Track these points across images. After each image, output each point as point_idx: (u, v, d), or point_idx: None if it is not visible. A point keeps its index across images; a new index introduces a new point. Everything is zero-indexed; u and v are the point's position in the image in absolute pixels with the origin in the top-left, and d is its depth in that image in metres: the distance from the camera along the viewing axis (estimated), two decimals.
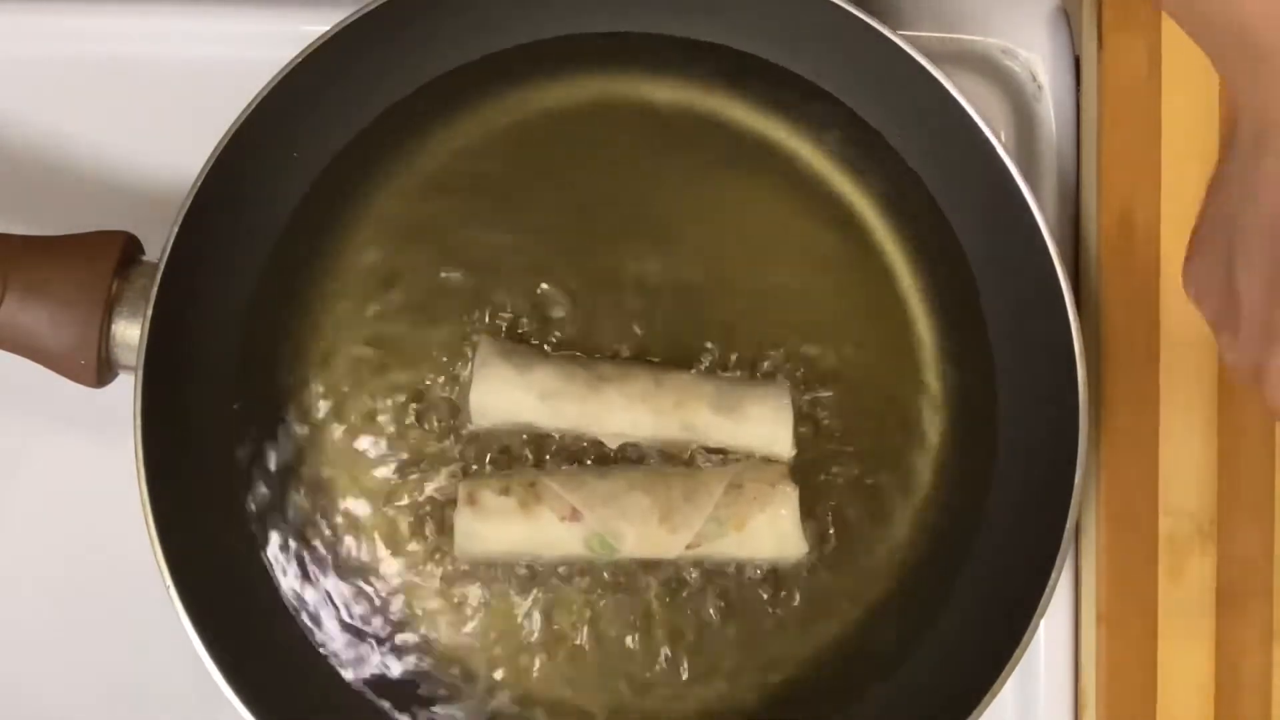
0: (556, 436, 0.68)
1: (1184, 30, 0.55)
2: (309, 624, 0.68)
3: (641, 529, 0.66)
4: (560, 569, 0.68)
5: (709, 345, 0.69)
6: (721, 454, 0.68)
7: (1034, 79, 0.73)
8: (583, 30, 0.70)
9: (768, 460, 0.68)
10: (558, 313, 0.69)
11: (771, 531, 0.67)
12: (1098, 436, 0.67)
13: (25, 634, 0.72)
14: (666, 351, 0.69)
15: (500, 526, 0.66)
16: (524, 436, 0.68)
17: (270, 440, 0.68)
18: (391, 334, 0.69)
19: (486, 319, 0.69)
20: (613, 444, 0.68)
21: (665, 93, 0.71)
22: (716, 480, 0.67)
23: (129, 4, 0.73)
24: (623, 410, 0.67)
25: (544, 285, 0.69)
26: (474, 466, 0.68)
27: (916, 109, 0.67)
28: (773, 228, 0.70)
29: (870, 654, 0.68)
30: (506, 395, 0.67)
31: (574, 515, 0.66)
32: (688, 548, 0.66)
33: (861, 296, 0.70)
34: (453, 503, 0.67)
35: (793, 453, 0.68)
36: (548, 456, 0.68)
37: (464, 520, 0.66)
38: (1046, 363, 0.65)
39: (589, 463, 0.68)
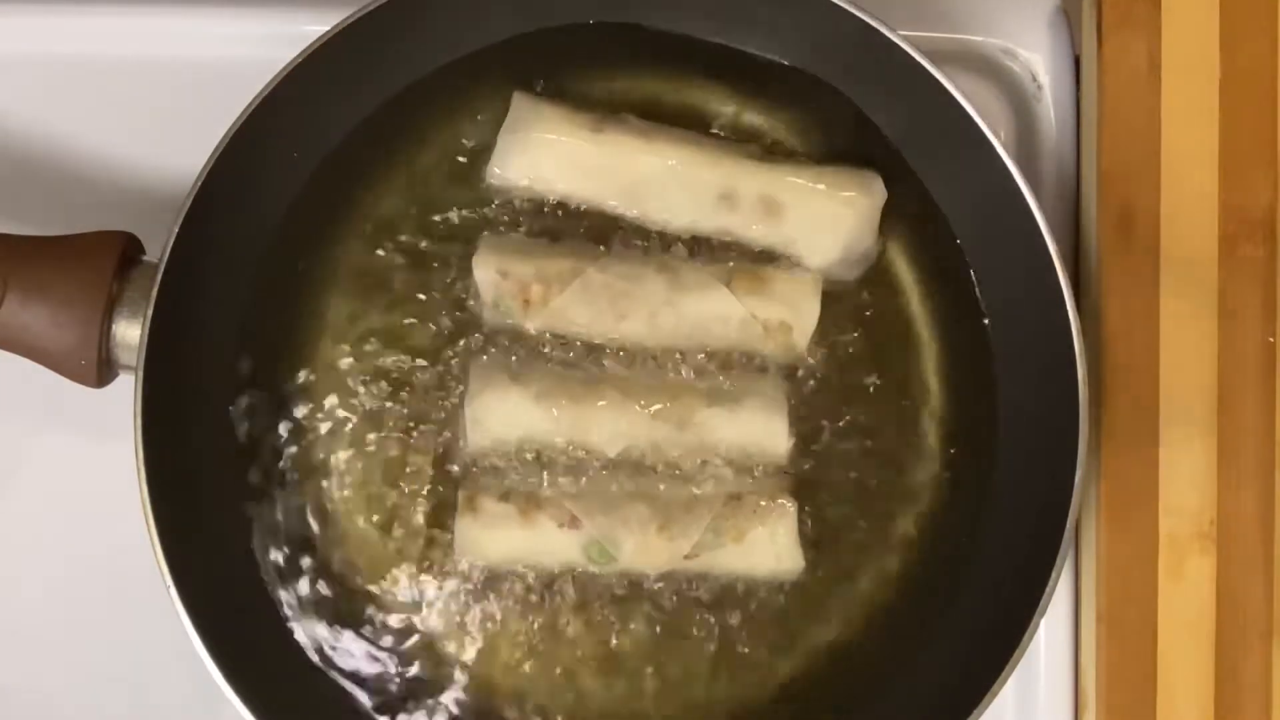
0: (556, 447, 0.68)
1: None
2: (308, 624, 0.68)
3: (640, 538, 0.66)
4: (559, 576, 0.68)
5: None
6: (721, 463, 0.68)
7: (1034, 79, 0.73)
8: (581, 22, 0.70)
9: (767, 474, 0.68)
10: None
11: (770, 546, 0.67)
12: (1098, 436, 0.67)
13: (25, 634, 0.72)
14: None
15: (499, 533, 0.66)
16: (523, 446, 0.68)
17: (270, 440, 0.68)
18: (393, 332, 0.69)
19: (487, 312, 0.69)
20: (611, 450, 0.67)
21: (661, 90, 0.71)
22: (716, 491, 0.67)
23: (129, 4, 0.73)
24: (619, 408, 0.67)
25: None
26: (474, 468, 0.68)
27: (917, 109, 0.67)
28: None
29: (871, 655, 0.68)
30: (503, 400, 0.67)
31: (573, 523, 0.66)
32: (686, 558, 0.66)
33: (859, 296, 0.70)
34: (453, 508, 0.67)
35: (790, 443, 0.68)
36: (546, 469, 0.68)
37: (464, 526, 0.66)
38: (1047, 363, 0.65)
39: (589, 472, 0.68)
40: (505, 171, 0.68)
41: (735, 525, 0.66)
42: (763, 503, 0.67)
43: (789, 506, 0.67)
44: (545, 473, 0.68)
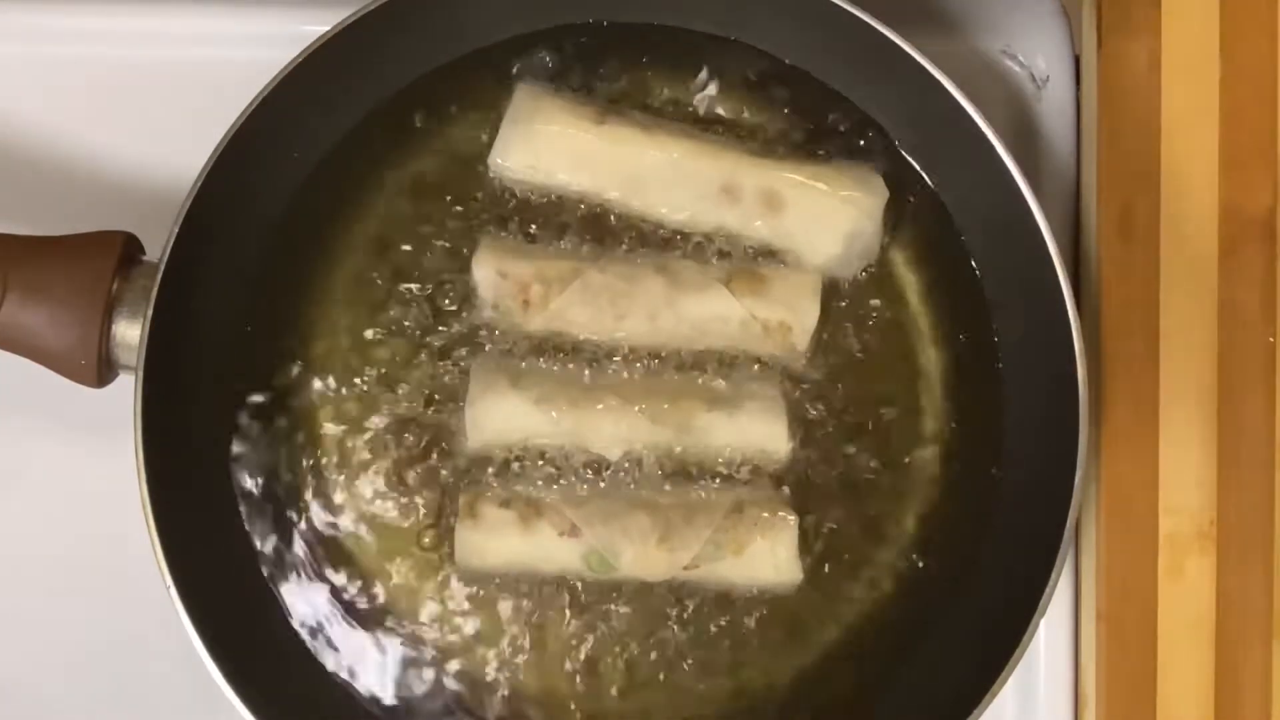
0: (557, 451, 0.68)
1: None
2: (309, 624, 0.68)
3: (640, 548, 0.66)
4: (559, 581, 0.68)
5: None
6: (721, 476, 0.68)
7: (1034, 79, 0.73)
8: (582, 21, 0.70)
9: (767, 482, 0.68)
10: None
11: (769, 559, 0.66)
12: (1098, 436, 0.67)
13: (25, 633, 0.72)
14: None
15: (499, 540, 0.66)
16: (523, 450, 0.68)
17: (270, 440, 0.68)
18: (393, 332, 0.69)
19: (488, 313, 0.69)
20: (611, 454, 0.67)
21: (663, 86, 0.71)
22: (717, 503, 0.67)
23: (129, 4, 0.73)
24: (619, 412, 0.67)
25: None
26: (477, 479, 0.68)
27: (917, 109, 0.67)
28: None
29: (871, 655, 0.68)
30: (503, 403, 0.67)
31: (573, 531, 0.66)
32: (685, 569, 0.66)
33: (860, 295, 0.70)
34: (454, 511, 0.67)
35: (790, 445, 0.68)
36: (546, 474, 0.68)
37: (464, 532, 0.66)
38: (1047, 363, 0.65)
39: (589, 478, 0.68)
40: (507, 161, 0.68)
41: (735, 538, 0.66)
42: (764, 515, 0.67)
43: (790, 520, 0.67)
44: (545, 478, 0.68)
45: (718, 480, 0.68)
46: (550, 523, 0.66)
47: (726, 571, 0.67)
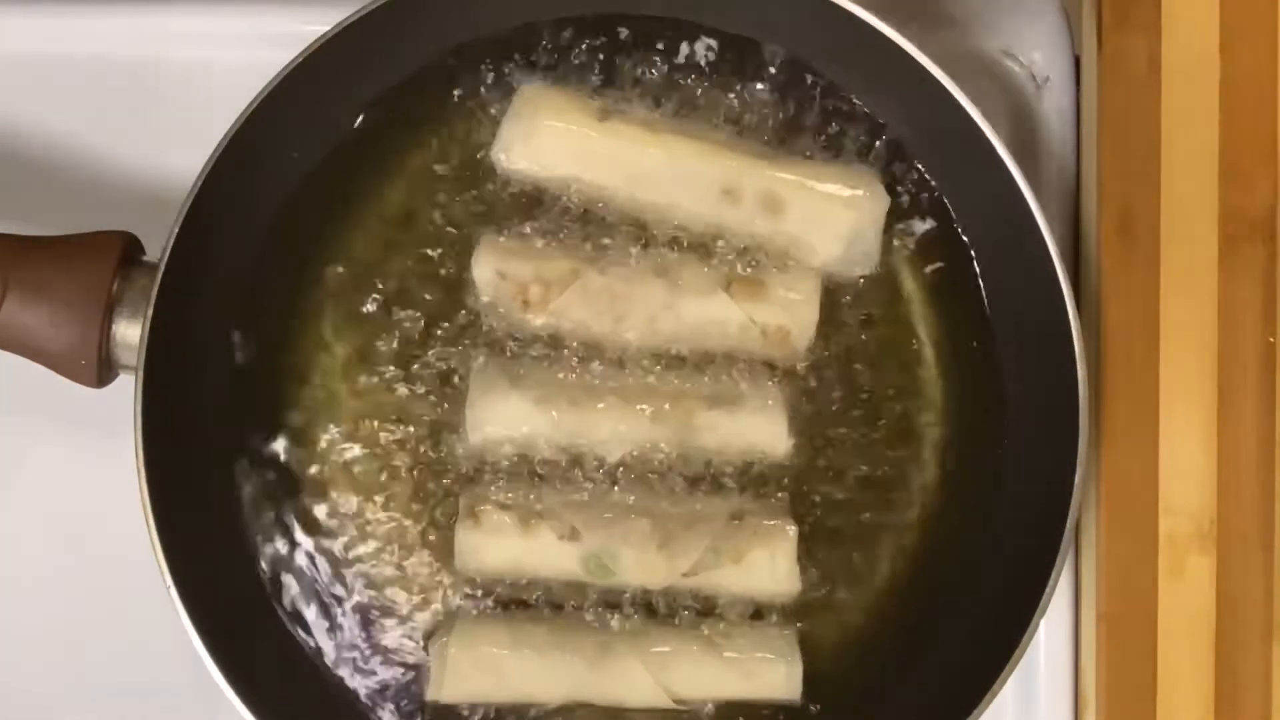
0: (558, 449, 0.68)
1: None
2: (308, 623, 0.68)
3: (640, 553, 0.66)
4: (559, 585, 0.68)
5: None
6: (721, 481, 0.68)
7: (1034, 79, 0.73)
8: (571, 14, 0.70)
9: (767, 489, 0.68)
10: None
11: (768, 568, 0.66)
12: (1098, 436, 0.67)
13: (25, 634, 0.72)
14: None
15: (499, 542, 0.66)
16: (523, 450, 0.68)
17: (270, 440, 0.68)
18: (392, 333, 0.69)
19: (487, 314, 0.69)
20: (612, 455, 0.67)
21: (665, 84, 0.70)
22: (717, 511, 0.67)
23: (129, 4, 0.73)
24: (619, 411, 0.67)
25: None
26: (477, 481, 0.68)
27: (917, 109, 0.67)
28: None
29: (870, 656, 0.68)
30: (504, 404, 0.67)
31: (573, 535, 0.66)
32: (684, 575, 0.66)
33: (860, 296, 0.70)
34: (455, 514, 0.67)
35: (789, 444, 0.67)
36: (547, 476, 0.68)
37: (464, 534, 0.66)
38: (1047, 363, 0.65)
39: (590, 481, 0.68)
40: (509, 156, 0.68)
41: (735, 546, 0.66)
42: (764, 523, 0.67)
43: (789, 530, 0.67)
44: (546, 480, 0.68)
45: (718, 486, 0.68)
46: (550, 526, 0.66)
47: (725, 580, 0.67)
